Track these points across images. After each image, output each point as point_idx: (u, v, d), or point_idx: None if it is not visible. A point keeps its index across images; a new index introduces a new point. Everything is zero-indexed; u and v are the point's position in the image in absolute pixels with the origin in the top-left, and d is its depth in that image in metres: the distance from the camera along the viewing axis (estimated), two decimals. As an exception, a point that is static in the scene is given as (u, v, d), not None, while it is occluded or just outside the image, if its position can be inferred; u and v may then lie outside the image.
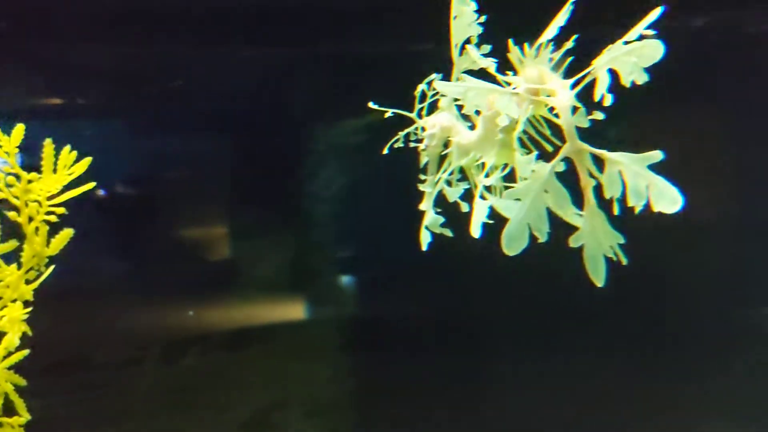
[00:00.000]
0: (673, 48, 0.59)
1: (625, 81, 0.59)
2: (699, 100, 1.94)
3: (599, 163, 0.61)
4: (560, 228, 0.66)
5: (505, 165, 0.69)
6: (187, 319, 2.14)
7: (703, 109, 1.97)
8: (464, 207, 0.73)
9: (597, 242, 0.61)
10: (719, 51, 1.88)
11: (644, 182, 0.58)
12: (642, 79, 0.58)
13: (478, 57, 0.64)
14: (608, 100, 0.59)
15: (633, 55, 0.58)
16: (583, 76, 0.61)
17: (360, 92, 2.03)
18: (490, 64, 0.66)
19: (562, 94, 0.61)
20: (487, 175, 0.68)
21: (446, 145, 0.76)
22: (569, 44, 0.64)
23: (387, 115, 0.80)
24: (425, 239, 0.78)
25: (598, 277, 0.61)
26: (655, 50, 0.57)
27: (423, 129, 0.76)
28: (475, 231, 0.67)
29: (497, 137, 0.67)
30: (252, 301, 2.18)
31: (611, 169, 0.59)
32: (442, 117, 0.75)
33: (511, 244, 0.61)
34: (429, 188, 0.75)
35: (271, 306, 2.19)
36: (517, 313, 2.08)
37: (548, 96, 0.63)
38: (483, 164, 0.70)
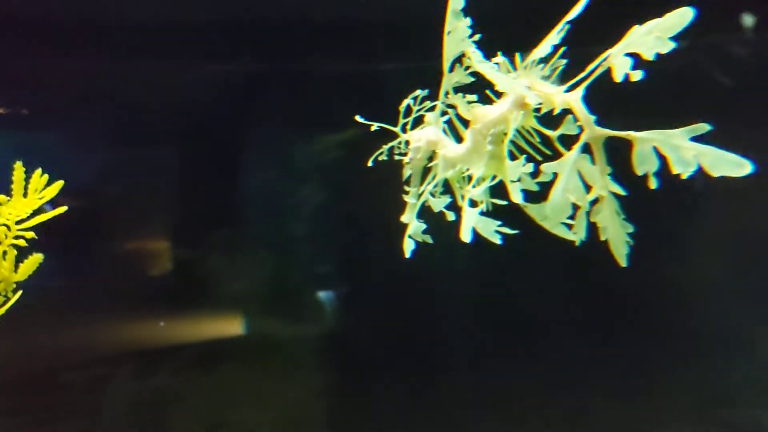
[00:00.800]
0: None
1: (648, 56, 0.60)
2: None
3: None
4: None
5: (493, 177, 0.70)
6: (157, 336, 2.12)
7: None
8: (449, 216, 0.74)
9: (616, 226, 0.63)
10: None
11: (690, 153, 0.59)
12: (667, 47, 0.60)
13: (478, 61, 0.65)
14: (638, 76, 0.61)
15: (654, 32, 0.59)
16: (594, 69, 0.62)
17: (338, 108, 2.05)
18: (490, 69, 0.66)
19: (566, 95, 0.62)
20: (475, 186, 0.69)
21: (430, 158, 0.77)
22: (560, 60, 0.65)
23: (373, 128, 0.80)
24: (409, 247, 0.79)
25: (619, 255, 0.64)
26: (682, 16, 0.59)
27: (407, 143, 0.77)
28: (467, 235, 0.68)
29: (486, 149, 0.68)
30: (226, 317, 2.17)
31: (642, 147, 0.61)
32: (428, 131, 0.75)
33: (556, 214, 0.63)
34: (413, 199, 0.76)
35: (245, 322, 2.17)
36: (493, 331, 2.11)
37: (541, 103, 0.64)
38: (470, 176, 0.71)
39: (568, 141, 0.66)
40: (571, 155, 0.62)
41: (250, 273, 2.15)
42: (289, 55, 2.06)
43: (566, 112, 0.65)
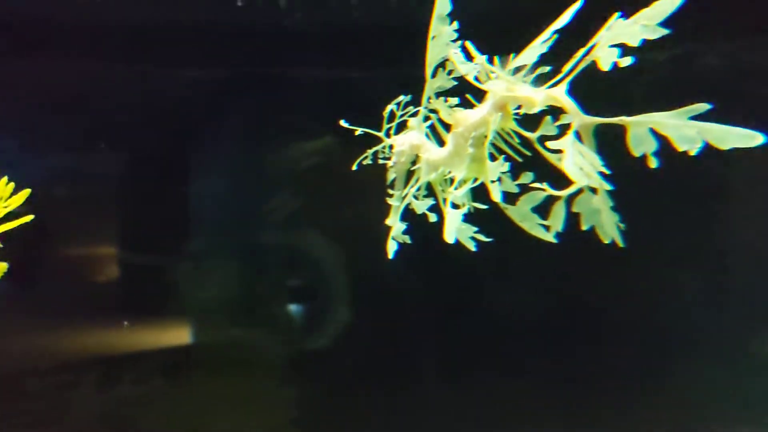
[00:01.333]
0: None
1: (634, 42, 0.62)
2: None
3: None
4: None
5: (475, 179, 0.73)
6: (120, 343, 2.11)
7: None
8: (432, 217, 0.77)
9: (606, 212, 0.65)
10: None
11: (693, 130, 0.61)
12: (656, 33, 0.62)
13: (460, 62, 0.68)
14: (627, 61, 0.62)
15: (640, 22, 0.61)
16: (578, 62, 0.64)
17: (312, 116, 2.08)
18: (473, 70, 0.69)
19: (550, 90, 0.65)
20: (457, 188, 0.72)
21: (414, 162, 0.80)
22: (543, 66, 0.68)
23: (357, 133, 0.83)
24: (392, 249, 0.81)
25: (615, 236, 0.65)
26: (670, 3, 0.61)
27: (391, 147, 0.80)
28: (450, 236, 0.70)
29: (468, 152, 0.71)
30: (193, 325, 2.16)
31: (636, 130, 0.62)
32: (411, 135, 0.78)
33: (577, 173, 0.63)
34: (397, 202, 0.79)
35: (213, 331, 2.18)
36: (469, 342, 2.13)
37: (520, 105, 0.67)
38: (452, 179, 0.74)
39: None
40: (570, 136, 0.64)
41: (218, 281, 2.16)
42: (262, 61, 2.08)
43: (545, 113, 0.68)
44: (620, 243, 0.64)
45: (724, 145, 0.61)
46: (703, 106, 0.61)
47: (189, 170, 2.19)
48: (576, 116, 0.63)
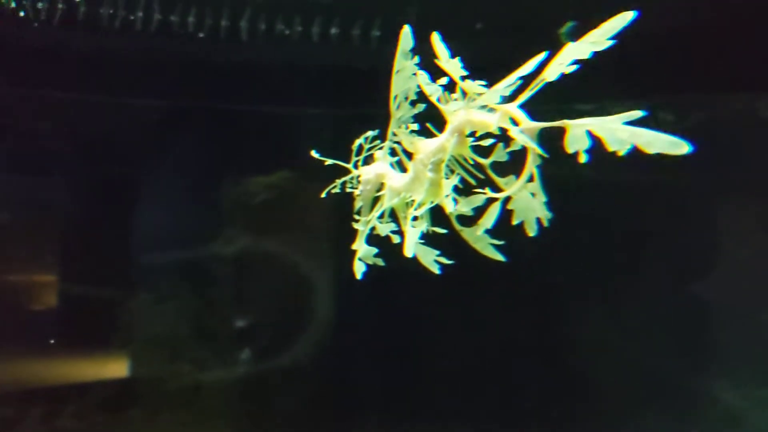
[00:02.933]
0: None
1: (584, 56, 0.71)
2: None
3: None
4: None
5: (432, 201, 0.81)
6: (60, 375, 2.10)
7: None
8: (395, 239, 0.84)
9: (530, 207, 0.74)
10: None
11: (625, 134, 0.68)
12: (604, 45, 0.71)
13: (426, 83, 0.76)
14: (570, 68, 0.70)
15: (591, 39, 0.70)
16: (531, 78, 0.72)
17: (266, 151, 2.15)
18: (436, 92, 0.78)
19: (503, 106, 0.73)
20: (416, 209, 0.80)
21: (379, 189, 0.88)
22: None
23: (327, 164, 0.90)
24: (360, 269, 0.88)
25: (532, 229, 0.74)
26: (622, 19, 0.70)
27: (358, 177, 0.87)
28: (409, 251, 0.78)
29: (427, 176, 0.79)
30: (136, 358, 2.18)
31: (575, 131, 0.70)
32: (377, 166, 0.86)
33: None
34: (362, 227, 0.86)
35: (157, 365, 2.19)
36: (412, 379, 2.20)
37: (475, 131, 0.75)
38: (412, 202, 0.82)
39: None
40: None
41: (164, 314, 2.18)
42: (217, 96, 2.15)
43: (500, 139, 0.77)
44: (531, 233, 0.72)
45: (652, 149, 0.68)
46: (637, 113, 0.69)
47: (136, 201, 2.24)
48: (523, 122, 0.72)
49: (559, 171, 0.78)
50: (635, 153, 0.72)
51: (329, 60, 2.05)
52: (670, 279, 2.12)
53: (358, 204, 0.88)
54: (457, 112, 0.78)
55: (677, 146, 0.69)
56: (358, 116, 1.88)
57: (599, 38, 0.71)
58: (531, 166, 0.73)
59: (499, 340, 2.13)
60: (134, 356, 2.18)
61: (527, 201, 0.73)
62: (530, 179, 0.73)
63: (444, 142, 0.79)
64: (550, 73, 0.73)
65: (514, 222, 0.75)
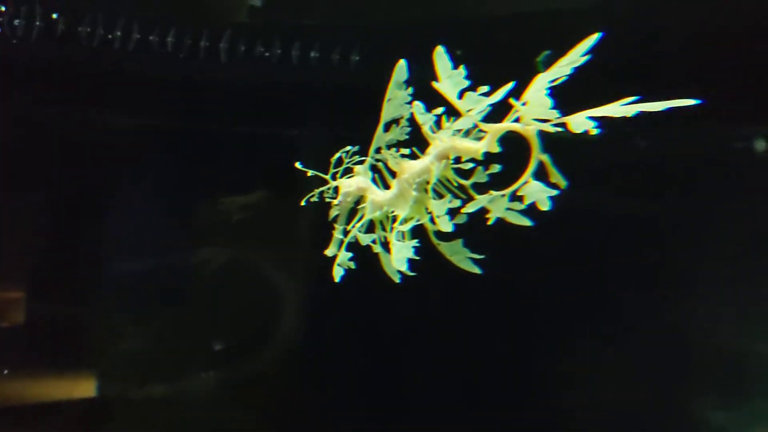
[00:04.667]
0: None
1: (560, 79, 0.79)
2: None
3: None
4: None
5: (417, 219, 0.90)
6: (31, 395, 2.12)
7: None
8: (376, 249, 0.92)
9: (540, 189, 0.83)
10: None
11: (629, 109, 0.78)
12: (577, 63, 0.79)
13: (420, 113, 0.84)
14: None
15: (561, 65, 0.78)
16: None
17: (243, 170, 2.20)
18: (428, 121, 0.86)
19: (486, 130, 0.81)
20: (401, 224, 0.88)
21: (357, 202, 0.96)
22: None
23: (308, 175, 0.97)
24: (338, 273, 0.95)
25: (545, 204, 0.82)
26: (589, 41, 0.78)
27: (337, 188, 0.95)
28: (399, 265, 0.86)
29: (412, 195, 0.88)
30: (107, 378, 2.21)
31: (575, 120, 0.79)
32: (358, 179, 0.94)
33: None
34: (339, 235, 0.94)
35: (131, 384, 2.22)
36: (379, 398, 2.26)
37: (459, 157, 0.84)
38: (395, 217, 0.90)
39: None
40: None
41: (137, 334, 2.21)
42: (193, 114, 2.20)
43: (480, 163, 0.86)
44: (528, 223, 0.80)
45: (660, 108, 0.77)
46: (630, 99, 0.78)
47: (108, 219, 2.27)
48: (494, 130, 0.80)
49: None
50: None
51: (308, 81, 2.12)
52: (649, 307, 2.20)
53: (333, 213, 0.96)
54: (443, 139, 0.86)
55: (686, 102, 0.78)
56: (336, 137, 1.95)
57: (568, 63, 0.79)
58: (535, 162, 0.82)
59: (474, 348, 2.19)
60: (105, 375, 2.20)
61: (535, 185, 0.81)
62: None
63: (429, 165, 0.88)
64: (528, 99, 0.81)
65: (490, 222, 0.83)
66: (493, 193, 0.83)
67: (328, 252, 0.95)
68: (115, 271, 2.26)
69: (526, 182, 0.81)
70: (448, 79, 0.86)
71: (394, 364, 2.25)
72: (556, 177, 0.80)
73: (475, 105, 0.86)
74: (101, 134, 2.25)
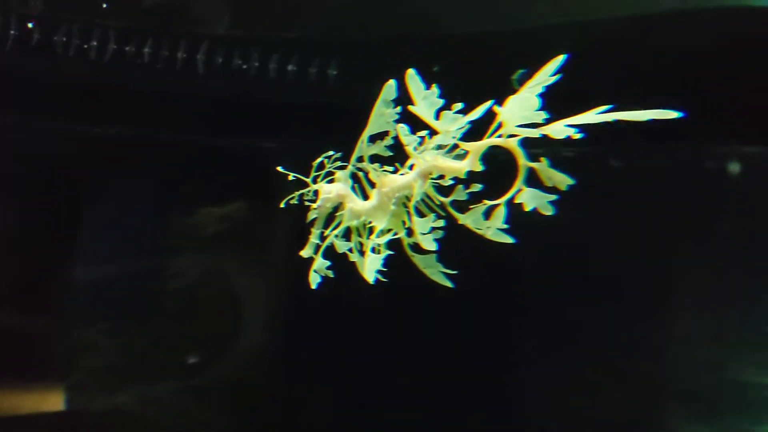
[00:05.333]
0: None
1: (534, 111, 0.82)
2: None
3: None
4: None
5: (394, 231, 0.93)
6: (2, 410, 2.11)
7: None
8: (352, 257, 0.95)
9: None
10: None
11: (607, 117, 0.83)
12: (548, 82, 0.82)
13: (405, 134, 0.88)
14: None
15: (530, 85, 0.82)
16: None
17: (220, 182, 2.22)
18: (412, 143, 0.90)
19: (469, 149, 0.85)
20: (378, 236, 0.91)
21: (336, 208, 0.99)
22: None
23: (290, 177, 0.99)
24: (314, 281, 0.98)
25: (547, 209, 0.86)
26: (553, 65, 0.82)
27: (317, 192, 0.98)
28: (370, 278, 0.88)
29: (390, 208, 0.91)
30: (76, 392, 2.21)
31: (555, 129, 0.82)
32: (338, 186, 0.97)
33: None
34: (315, 239, 0.97)
35: (101, 398, 2.22)
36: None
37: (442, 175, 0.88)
38: (371, 228, 0.93)
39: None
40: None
41: (108, 347, 2.21)
42: (169, 124, 2.22)
43: (462, 181, 0.89)
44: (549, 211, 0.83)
45: (638, 118, 0.81)
46: (604, 108, 0.82)
47: (80, 229, 2.29)
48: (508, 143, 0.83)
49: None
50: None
51: (286, 94, 2.14)
52: (619, 322, 2.23)
53: (311, 215, 0.98)
54: (426, 158, 0.90)
55: (665, 114, 0.81)
56: (313, 149, 1.97)
57: (537, 84, 0.83)
58: (523, 174, 0.85)
59: (446, 361, 2.21)
60: (75, 389, 2.20)
61: (531, 192, 0.84)
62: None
63: (411, 182, 0.92)
64: (507, 110, 0.84)
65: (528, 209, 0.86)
66: (488, 202, 0.86)
67: (303, 253, 0.98)
68: (86, 282, 2.27)
69: (519, 190, 0.84)
70: (423, 100, 0.89)
71: (365, 373, 2.27)
72: (555, 179, 0.83)
73: (453, 124, 0.89)
74: (76, 143, 2.27)
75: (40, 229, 2.28)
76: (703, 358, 2.18)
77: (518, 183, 0.85)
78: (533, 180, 0.88)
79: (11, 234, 2.26)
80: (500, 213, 0.89)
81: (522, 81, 1.84)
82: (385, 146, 0.95)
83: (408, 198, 0.96)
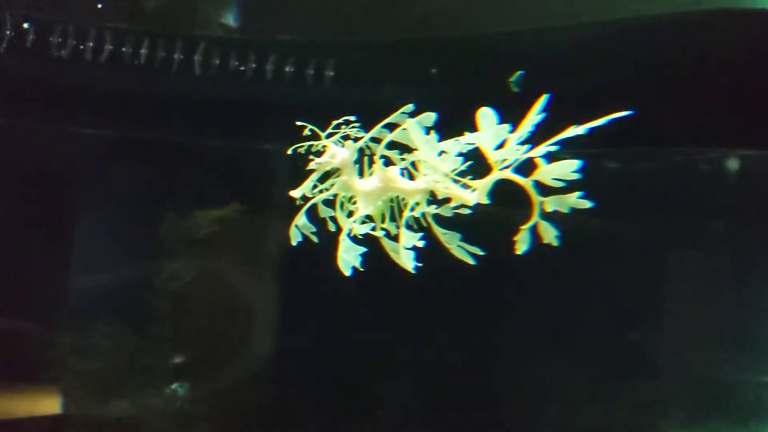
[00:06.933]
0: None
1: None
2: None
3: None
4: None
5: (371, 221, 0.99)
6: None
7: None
8: (331, 227, 1.00)
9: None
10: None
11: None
12: (529, 128, 0.88)
13: (419, 137, 0.93)
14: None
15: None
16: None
17: (216, 185, 2.25)
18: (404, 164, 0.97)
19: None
20: (355, 222, 0.97)
21: (333, 171, 1.03)
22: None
23: (306, 130, 1.03)
24: (295, 236, 1.02)
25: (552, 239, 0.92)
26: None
27: (325, 147, 1.02)
28: (343, 265, 0.96)
29: (379, 202, 0.97)
30: (69, 395, 2.24)
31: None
32: (344, 152, 1.02)
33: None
34: (298, 193, 1.01)
35: (93, 401, 2.24)
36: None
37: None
38: (352, 212, 0.99)
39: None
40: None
41: (100, 350, 2.24)
42: (164, 127, 2.25)
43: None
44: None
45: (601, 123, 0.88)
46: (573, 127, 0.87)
47: (74, 232, 2.33)
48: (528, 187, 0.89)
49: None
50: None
51: (279, 97, 2.17)
52: (608, 327, 2.28)
53: (311, 165, 1.02)
54: (439, 179, 0.97)
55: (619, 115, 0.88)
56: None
57: (528, 123, 0.90)
58: (537, 210, 0.92)
59: (444, 365, 2.25)
60: (67, 392, 2.23)
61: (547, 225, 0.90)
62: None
63: (413, 191, 0.99)
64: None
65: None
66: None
67: (294, 193, 1.01)
68: (80, 285, 2.30)
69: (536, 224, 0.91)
70: (425, 145, 0.95)
71: (362, 378, 2.30)
72: (568, 202, 0.90)
73: (454, 164, 0.95)
74: (69, 146, 2.31)
75: (32, 232, 2.31)
76: (692, 363, 2.22)
77: (534, 217, 0.91)
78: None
79: (4, 237, 2.29)
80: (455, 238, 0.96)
81: (519, 83, 1.88)
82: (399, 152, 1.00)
83: (402, 203, 1.01)
